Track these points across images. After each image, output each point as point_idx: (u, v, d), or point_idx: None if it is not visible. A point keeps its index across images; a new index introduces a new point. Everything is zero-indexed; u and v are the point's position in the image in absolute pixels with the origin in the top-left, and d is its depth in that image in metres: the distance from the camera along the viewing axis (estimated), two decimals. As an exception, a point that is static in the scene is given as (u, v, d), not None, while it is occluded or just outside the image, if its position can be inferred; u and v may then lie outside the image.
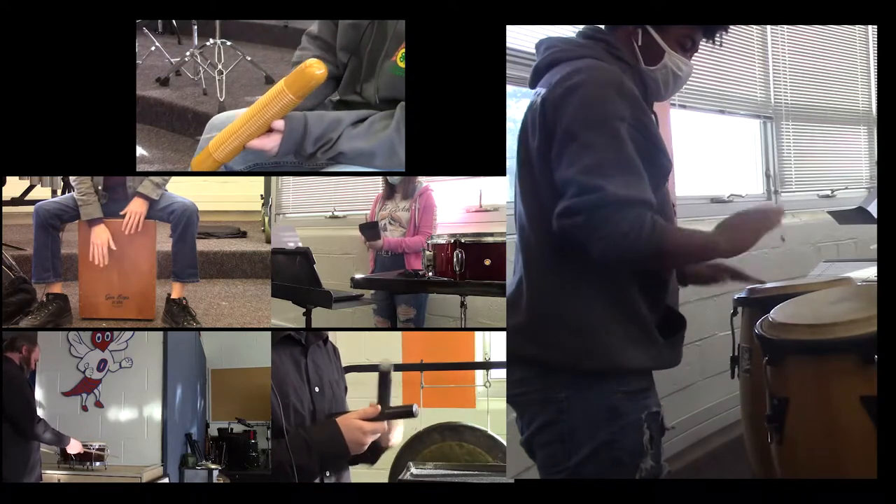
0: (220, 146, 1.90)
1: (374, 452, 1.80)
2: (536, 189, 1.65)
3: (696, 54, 1.77)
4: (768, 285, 2.30)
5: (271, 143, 1.89)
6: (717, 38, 1.78)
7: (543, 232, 1.64)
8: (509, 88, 1.95)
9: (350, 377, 2.02)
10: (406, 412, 1.72)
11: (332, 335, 1.96)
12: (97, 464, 2.49)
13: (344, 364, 2.00)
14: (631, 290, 1.64)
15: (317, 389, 1.79)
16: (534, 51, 1.77)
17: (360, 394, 1.99)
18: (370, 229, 3.68)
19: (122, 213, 2.74)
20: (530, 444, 1.73)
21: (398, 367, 3.04)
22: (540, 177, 1.63)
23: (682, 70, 1.73)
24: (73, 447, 2.46)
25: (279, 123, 1.88)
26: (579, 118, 1.57)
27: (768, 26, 4.31)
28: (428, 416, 2.95)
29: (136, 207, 2.74)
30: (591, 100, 1.58)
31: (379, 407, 1.71)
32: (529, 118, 1.67)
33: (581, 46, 1.72)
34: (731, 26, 1.77)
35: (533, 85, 1.74)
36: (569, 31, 1.98)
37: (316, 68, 1.87)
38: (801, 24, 4.33)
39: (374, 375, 1.79)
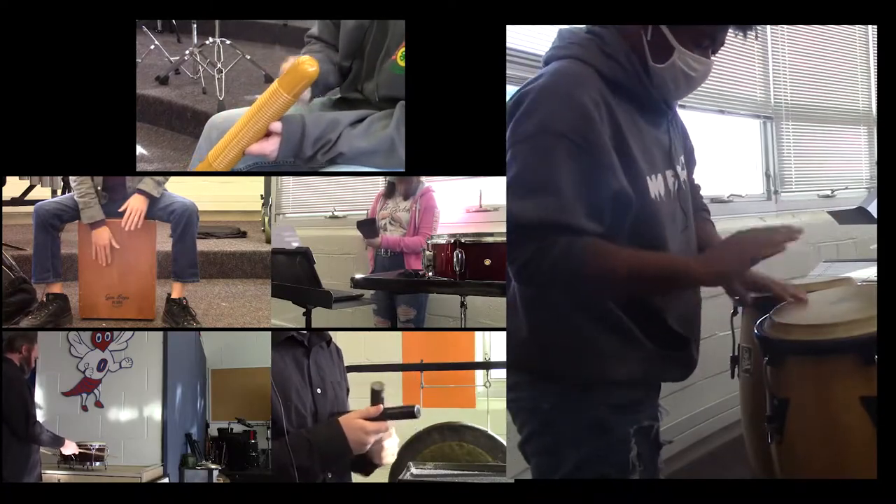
0: (220, 155, 1.88)
1: (367, 465, 1.80)
2: None
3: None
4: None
5: (270, 146, 1.88)
6: (749, 32, 1.65)
7: None
8: (509, 88, 1.94)
9: (350, 377, 2.02)
10: (408, 413, 1.72)
11: (332, 335, 1.95)
12: (97, 464, 2.49)
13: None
14: (611, 305, 1.58)
15: (319, 391, 1.78)
16: (534, 51, 1.76)
17: (361, 394, 1.98)
18: (368, 226, 3.67)
19: (121, 209, 2.74)
20: (524, 450, 1.72)
21: (398, 368, 3.04)
22: None
23: (696, 70, 1.61)
24: (69, 448, 2.46)
25: (277, 126, 1.86)
26: (517, 128, 1.53)
27: (768, 26, 4.31)
28: (428, 416, 2.94)
29: (136, 204, 2.74)
30: (532, 110, 1.52)
31: (381, 407, 1.71)
32: None
33: (570, 45, 1.64)
34: (731, 27, 1.71)
35: None
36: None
37: (308, 65, 1.83)
38: (801, 24, 4.33)
39: (375, 375, 1.79)
